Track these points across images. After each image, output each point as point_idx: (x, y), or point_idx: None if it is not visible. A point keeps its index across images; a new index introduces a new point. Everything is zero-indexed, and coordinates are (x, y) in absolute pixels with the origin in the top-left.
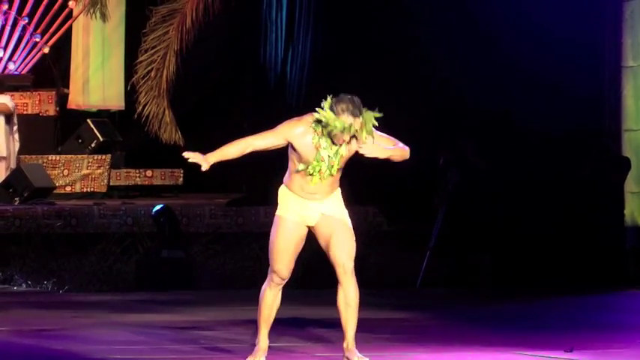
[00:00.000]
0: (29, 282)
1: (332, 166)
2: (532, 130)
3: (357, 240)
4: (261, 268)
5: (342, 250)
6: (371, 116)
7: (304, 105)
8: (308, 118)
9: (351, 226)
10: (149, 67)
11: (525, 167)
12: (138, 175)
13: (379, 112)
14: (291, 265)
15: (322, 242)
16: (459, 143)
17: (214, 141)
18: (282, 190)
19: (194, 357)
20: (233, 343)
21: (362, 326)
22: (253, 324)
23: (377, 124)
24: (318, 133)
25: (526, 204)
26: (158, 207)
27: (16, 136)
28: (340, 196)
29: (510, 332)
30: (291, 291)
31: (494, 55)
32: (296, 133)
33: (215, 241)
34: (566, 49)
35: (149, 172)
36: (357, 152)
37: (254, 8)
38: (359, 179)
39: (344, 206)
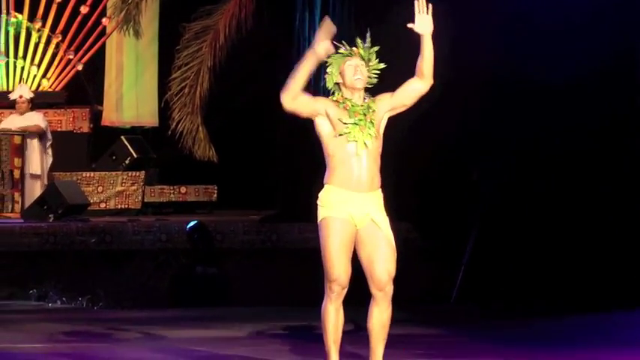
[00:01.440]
0: (64, 298)
1: (370, 123)
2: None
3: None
4: (294, 284)
5: (385, 270)
6: (361, 43)
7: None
8: (330, 97)
9: (394, 244)
10: (183, 84)
11: (556, 182)
12: (172, 191)
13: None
14: (349, 269)
15: (363, 253)
16: (493, 157)
17: (248, 157)
18: (325, 190)
19: None
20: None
21: (395, 342)
22: (288, 340)
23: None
24: (340, 100)
25: (560, 217)
26: (192, 223)
27: (50, 151)
28: (382, 201)
29: (543, 348)
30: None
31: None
32: (321, 102)
33: (249, 257)
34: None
35: (183, 189)
36: (389, 115)
37: (287, 24)
38: (393, 195)
39: (386, 215)
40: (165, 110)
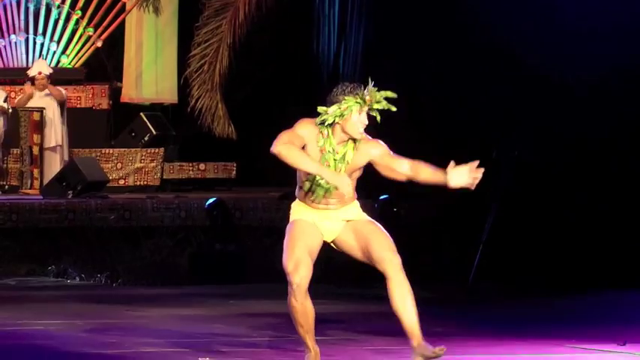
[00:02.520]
0: (83, 275)
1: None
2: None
3: (407, 234)
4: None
5: (384, 248)
6: (375, 91)
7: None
8: (315, 120)
9: (379, 224)
10: (202, 61)
11: (576, 161)
12: (191, 168)
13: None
14: (305, 269)
15: (356, 251)
16: (513, 137)
17: (267, 134)
18: (294, 203)
19: (248, 350)
20: (287, 335)
21: None
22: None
23: (389, 97)
24: (324, 135)
25: (578, 198)
26: (211, 200)
27: (66, 126)
28: (358, 208)
29: (562, 326)
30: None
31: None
32: (305, 132)
33: (268, 234)
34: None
35: (202, 166)
36: (369, 165)
37: (307, 2)
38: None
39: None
40: (184, 87)
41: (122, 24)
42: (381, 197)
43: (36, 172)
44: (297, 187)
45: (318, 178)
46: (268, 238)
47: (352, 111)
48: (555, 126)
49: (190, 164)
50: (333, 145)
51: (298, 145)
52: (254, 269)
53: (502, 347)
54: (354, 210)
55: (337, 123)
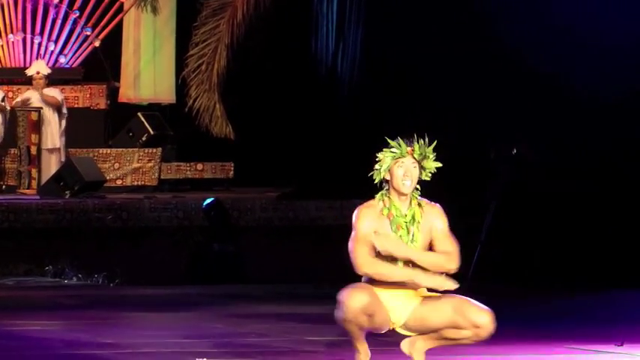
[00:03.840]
0: (80, 275)
1: (413, 237)
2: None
3: None
4: (311, 262)
5: (482, 313)
6: (422, 145)
7: (355, 98)
8: (371, 201)
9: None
10: (200, 61)
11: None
12: (188, 168)
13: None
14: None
15: (439, 323)
16: (512, 138)
17: (265, 134)
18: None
19: (245, 351)
20: (285, 336)
21: None
22: (305, 317)
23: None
24: (386, 204)
25: (576, 197)
26: (209, 200)
27: (64, 126)
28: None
29: (559, 326)
30: None
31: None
32: (367, 222)
33: (266, 234)
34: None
35: (200, 166)
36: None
37: (305, 1)
38: None
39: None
40: (182, 87)
41: (120, 24)
42: None
43: (34, 172)
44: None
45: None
46: (266, 238)
47: (389, 163)
48: (553, 126)
49: (188, 164)
50: (399, 207)
51: (371, 243)
52: (252, 269)
53: (500, 347)
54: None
55: (389, 183)
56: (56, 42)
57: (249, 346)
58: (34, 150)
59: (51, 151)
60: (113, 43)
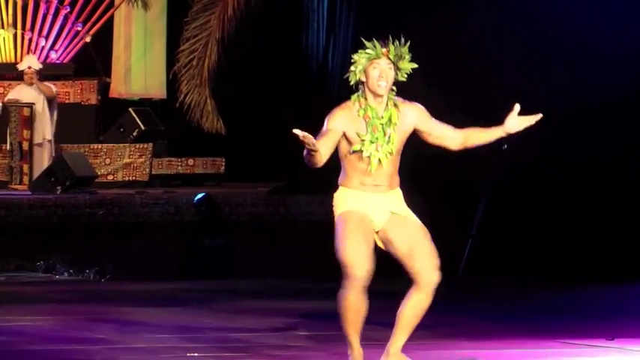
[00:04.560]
0: (71, 271)
1: (389, 139)
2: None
3: None
4: (302, 257)
5: (428, 264)
6: (398, 46)
7: (345, 93)
8: (347, 102)
9: (427, 230)
10: (191, 56)
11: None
12: (180, 163)
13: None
14: (367, 263)
15: (398, 250)
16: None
17: (256, 129)
18: (339, 190)
19: (236, 346)
20: (276, 332)
21: None
22: (297, 312)
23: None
24: (361, 104)
25: (567, 191)
26: (200, 196)
27: (55, 119)
28: (402, 199)
29: (551, 321)
30: None
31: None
32: (337, 123)
33: (257, 229)
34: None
35: (191, 161)
36: (414, 132)
37: None
38: (401, 169)
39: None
40: (173, 82)
41: (111, 19)
42: None
43: (25, 167)
44: (343, 171)
45: (368, 139)
46: (257, 233)
47: (364, 64)
48: (544, 120)
49: (179, 159)
50: (375, 109)
51: (333, 141)
52: (243, 264)
53: (491, 343)
54: (399, 201)
55: (365, 85)
56: (47, 38)
57: (240, 342)
58: (25, 145)
59: (42, 144)
60: (104, 38)
